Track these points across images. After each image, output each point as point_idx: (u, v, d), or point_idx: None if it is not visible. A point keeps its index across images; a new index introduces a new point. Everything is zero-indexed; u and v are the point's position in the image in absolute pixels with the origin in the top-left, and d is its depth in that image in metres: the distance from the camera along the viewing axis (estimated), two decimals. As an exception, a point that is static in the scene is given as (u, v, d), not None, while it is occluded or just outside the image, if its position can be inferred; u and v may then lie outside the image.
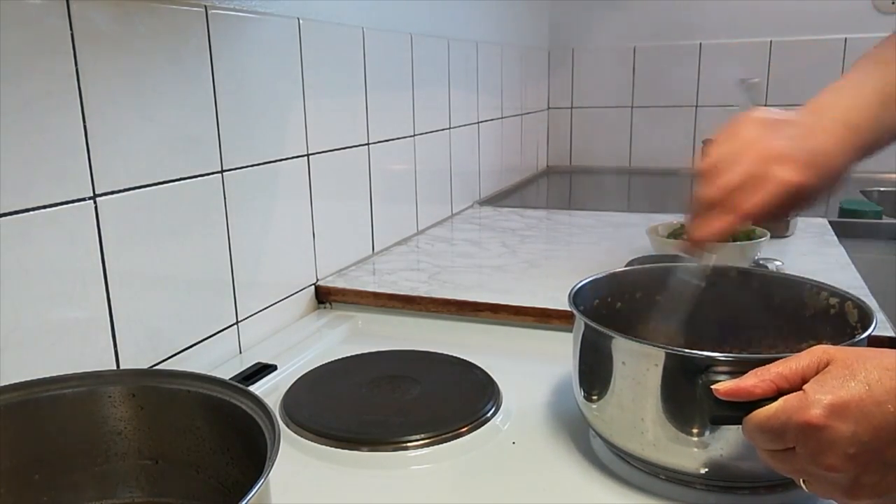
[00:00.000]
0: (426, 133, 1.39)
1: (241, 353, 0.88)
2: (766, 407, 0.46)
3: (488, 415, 0.70)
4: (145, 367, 0.73)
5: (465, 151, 1.62)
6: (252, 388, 0.56)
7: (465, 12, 1.58)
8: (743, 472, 0.55)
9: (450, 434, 0.66)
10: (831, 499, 0.46)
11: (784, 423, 0.44)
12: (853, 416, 0.42)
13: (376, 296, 1.01)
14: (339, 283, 1.05)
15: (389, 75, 1.23)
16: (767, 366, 0.48)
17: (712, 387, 0.49)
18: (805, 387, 0.45)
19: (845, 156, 0.61)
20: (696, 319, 0.73)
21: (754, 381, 0.47)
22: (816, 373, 0.46)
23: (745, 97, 0.66)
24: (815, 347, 0.47)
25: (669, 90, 2.17)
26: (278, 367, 0.83)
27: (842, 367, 0.44)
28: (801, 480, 0.47)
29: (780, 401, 0.45)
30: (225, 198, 0.84)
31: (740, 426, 0.48)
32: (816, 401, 0.43)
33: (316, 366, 0.82)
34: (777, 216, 0.62)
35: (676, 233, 1.15)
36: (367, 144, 1.17)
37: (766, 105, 0.62)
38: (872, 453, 0.42)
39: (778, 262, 1.06)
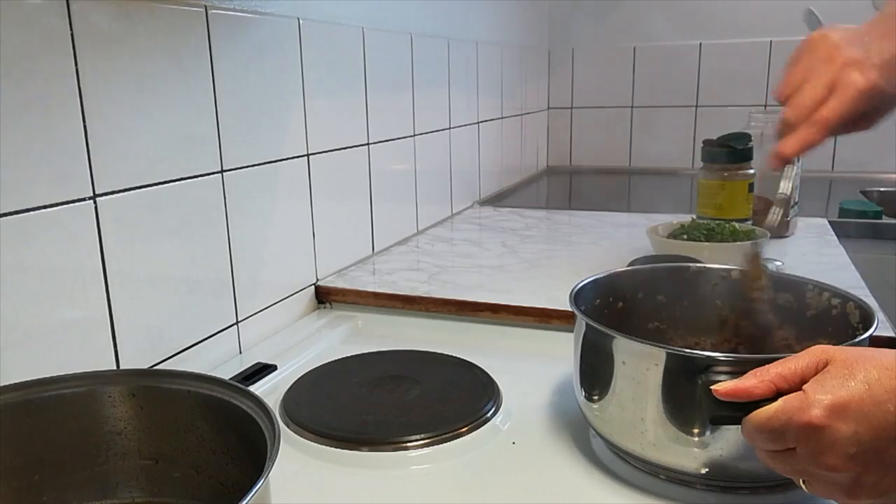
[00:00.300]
0: (426, 133, 1.39)
1: (241, 353, 0.88)
2: (766, 407, 0.46)
3: (488, 415, 0.70)
4: (145, 367, 0.73)
5: (465, 151, 1.62)
6: (252, 388, 0.56)
7: (465, 12, 1.58)
8: (743, 472, 0.55)
9: (450, 434, 0.66)
10: (831, 499, 0.46)
11: (784, 424, 0.44)
12: (853, 417, 0.42)
13: (376, 296, 1.01)
14: (339, 283, 1.05)
15: (389, 75, 1.23)
16: (767, 366, 0.47)
17: (712, 387, 0.48)
18: (805, 387, 0.45)
19: None
20: (697, 319, 0.73)
21: (754, 381, 0.47)
22: (816, 373, 0.45)
23: (813, 22, 0.70)
24: (813, 347, 0.47)
25: (669, 90, 2.17)
26: (278, 367, 0.83)
27: (841, 367, 0.44)
28: (800, 480, 0.47)
29: (780, 401, 0.45)
30: (225, 198, 0.84)
31: (739, 426, 0.48)
32: (817, 401, 0.43)
33: (316, 366, 0.82)
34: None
35: (676, 233, 1.15)
36: (367, 144, 1.17)
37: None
38: (873, 453, 0.42)
39: (778, 262, 1.06)
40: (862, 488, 0.44)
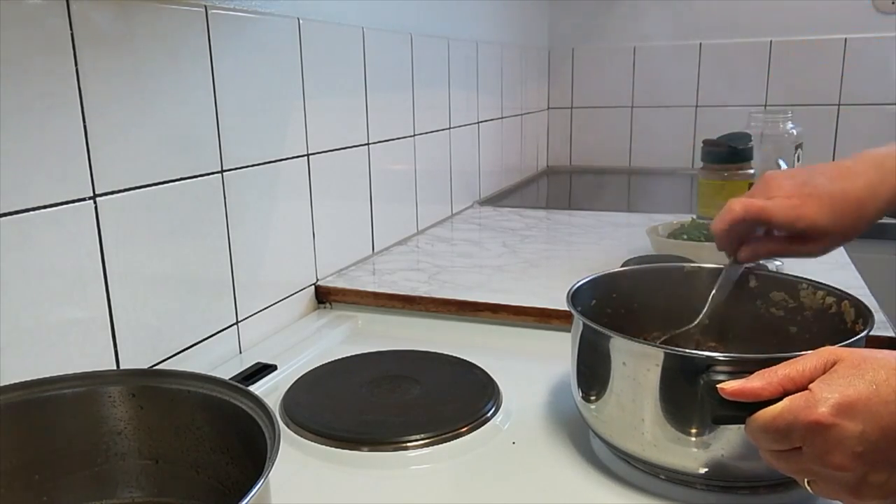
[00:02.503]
0: (426, 133, 1.39)
1: (241, 353, 0.88)
2: (772, 407, 0.46)
3: (488, 415, 0.70)
4: (145, 367, 0.73)
5: (465, 151, 1.62)
6: (252, 388, 0.56)
7: (465, 12, 1.58)
8: (743, 472, 0.55)
9: (450, 434, 0.66)
10: (836, 499, 0.46)
11: (791, 424, 0.44)
12: (861, 415, 0.42)
13: (376, 296, 1.01)
14: (339, 283, 1.05)
15: (389, 75, 1.23)
16: (774, 367, 0.47)
17: (719, 385, 0.48)
18: (811, 386, 0.45)
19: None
20: (695, 319, 0.73)
21: (762, 383, 0.46)
22: (823, 373, 0.45)
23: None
24: (822, 349, 0.47)
25: (669, 90, 2.17)
26: (278, 367, 0.83)
27: (849, 367, 0.44)
28: (804, 480, 0.46)
29: (786, 400, 0.45)
30: (225, 198, 0.84)
31: (742, 425, 0.48)
32: (823, 399, 0.43)
33: (316, 366, 0.82)
34: None
35: (676, 233, 1.15)
36: (367, 144, 1.17)
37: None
38: (880, 452, 0.42)
39: (778, 262, 1.06)
40: (868, 488, 0.44)
